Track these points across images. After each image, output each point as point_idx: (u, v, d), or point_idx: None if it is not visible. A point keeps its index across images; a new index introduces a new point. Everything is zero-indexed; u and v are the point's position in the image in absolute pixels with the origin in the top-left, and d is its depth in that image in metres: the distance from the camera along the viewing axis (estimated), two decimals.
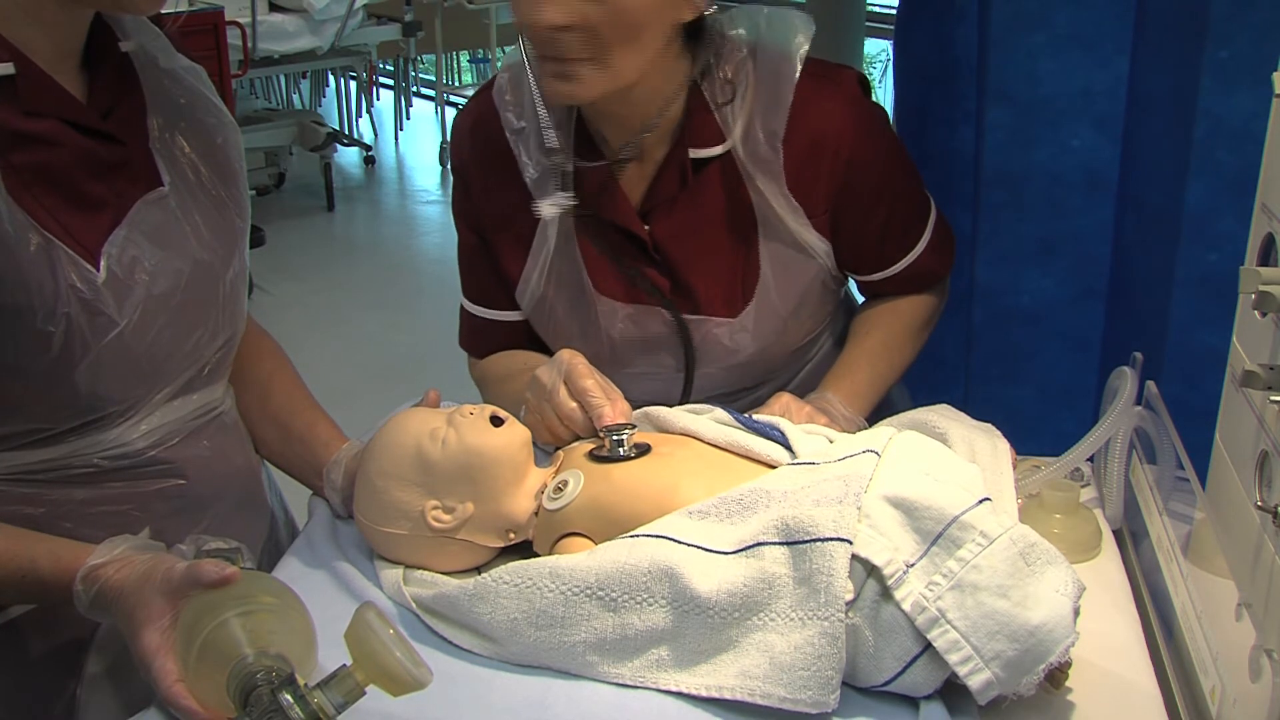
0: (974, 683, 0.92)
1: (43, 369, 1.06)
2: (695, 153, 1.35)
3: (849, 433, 1.25)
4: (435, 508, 1.13)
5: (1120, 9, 1.71)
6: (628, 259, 1.39)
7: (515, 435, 1.15)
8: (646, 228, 1.38)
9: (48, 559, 1.05)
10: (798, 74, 1.33)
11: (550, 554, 1.12)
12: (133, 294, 1.10)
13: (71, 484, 1.13)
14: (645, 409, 1.27)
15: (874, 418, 1.36)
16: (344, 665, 0.87)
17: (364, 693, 0.87)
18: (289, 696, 0.86)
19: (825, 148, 1.34)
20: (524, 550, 1.16)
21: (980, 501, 0.99)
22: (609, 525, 1.09)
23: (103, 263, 1.08)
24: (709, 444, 1.19)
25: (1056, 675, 0.95)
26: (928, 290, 1.51)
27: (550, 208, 1.35)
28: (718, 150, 1.35)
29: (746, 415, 1.24)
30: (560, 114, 1.36)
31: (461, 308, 1.53)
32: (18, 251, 1.02)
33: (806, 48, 1.34)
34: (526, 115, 1.38)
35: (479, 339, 1.53)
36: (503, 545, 1.15)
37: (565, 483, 1.13)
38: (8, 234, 1.02)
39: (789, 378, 1.53)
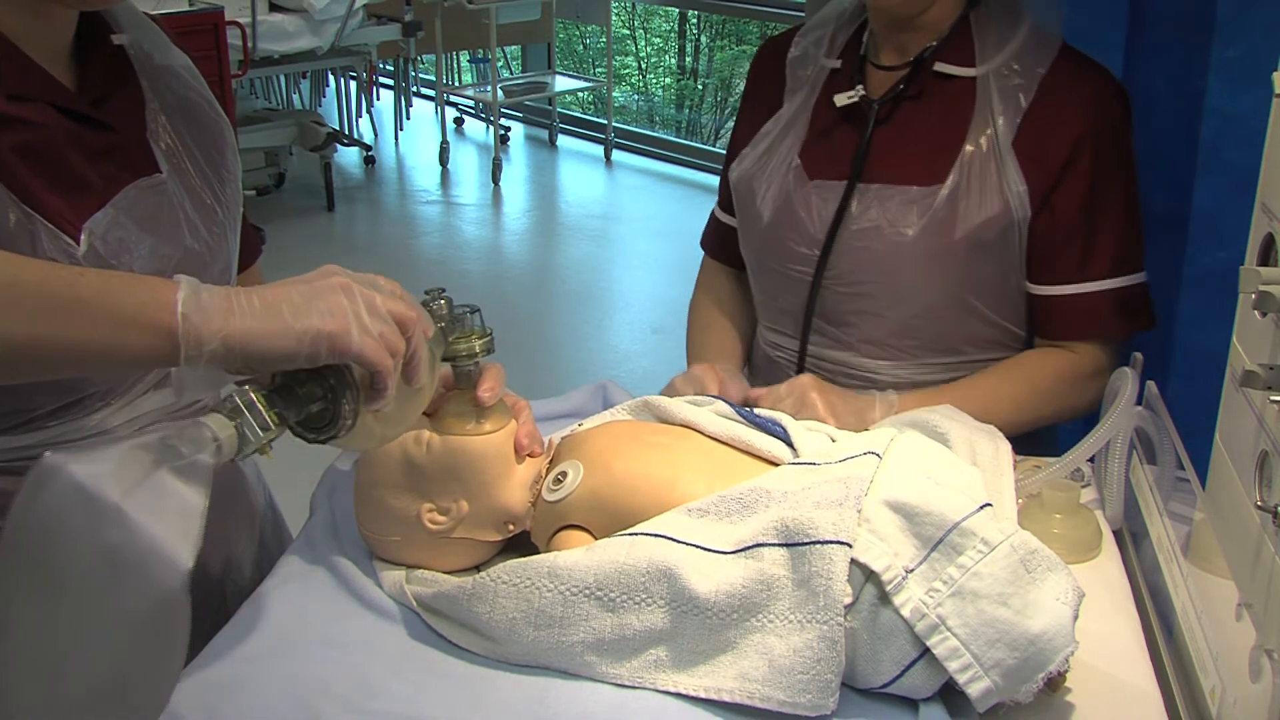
0: (973, 690, 0.92)
1: None
2: (941, 67, 1.45)
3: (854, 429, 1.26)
4: (430, 510, 1.12)
5: (1114, 7, 1.72)
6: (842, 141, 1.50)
7: (500, 427, 1.14)
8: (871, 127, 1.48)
9: (128, 299, 0.89)
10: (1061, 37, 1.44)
11: (548, 546, 1.12)
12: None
13: None
14: (645, 398, 1.28)
15: None
16: None
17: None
18: None
19: (1066, 115, 1.40)
20: (526, 546, 1.16)
21: (981, 507, 0.98)
22: (608, 518, 1.09)
23: (83, 237, 1.07)
24: (710, 437, 1.19)
25: (1055, 680, 0.95)
26: (1091, 341, 1.43)
27: (845, 98, 1.48)
28: (967, 71, 1.44)
29: (748, 409, 1.24)
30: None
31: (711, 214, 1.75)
32: None
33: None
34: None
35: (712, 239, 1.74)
36: (503, 538, 1.15)
37: (564, 474, 1.13)
38: None
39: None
